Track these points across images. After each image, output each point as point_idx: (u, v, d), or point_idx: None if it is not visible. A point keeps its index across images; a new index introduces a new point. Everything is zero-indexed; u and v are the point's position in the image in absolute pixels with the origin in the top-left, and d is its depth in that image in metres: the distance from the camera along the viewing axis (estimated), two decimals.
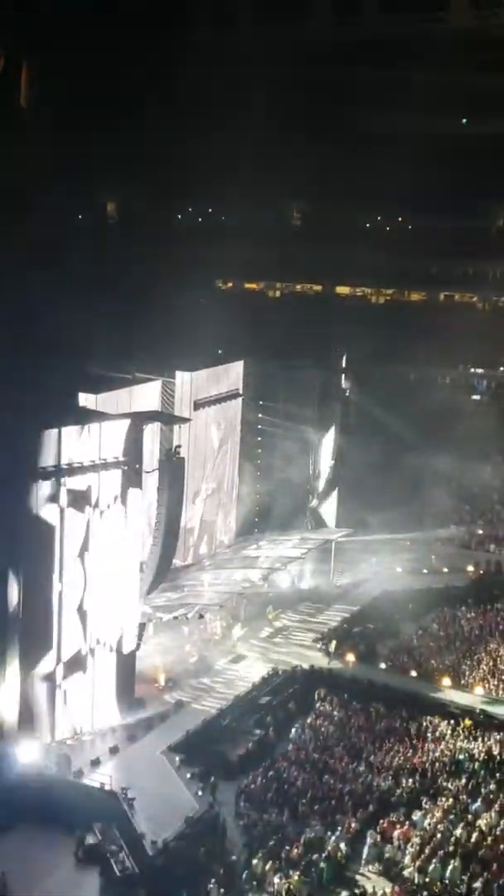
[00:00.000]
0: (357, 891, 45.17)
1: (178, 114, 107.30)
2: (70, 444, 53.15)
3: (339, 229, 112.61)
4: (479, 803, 51.21)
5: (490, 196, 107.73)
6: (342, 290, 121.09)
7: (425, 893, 44.48)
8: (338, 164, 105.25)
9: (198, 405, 72.80)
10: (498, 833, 48.69)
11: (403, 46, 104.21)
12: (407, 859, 47.18)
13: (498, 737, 57.07)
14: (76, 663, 55.02)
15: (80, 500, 53.78)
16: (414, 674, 63.76)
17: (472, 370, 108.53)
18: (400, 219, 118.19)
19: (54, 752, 52.97)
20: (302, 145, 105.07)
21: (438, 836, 48.50)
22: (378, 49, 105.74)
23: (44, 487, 52.32)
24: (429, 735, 57.62)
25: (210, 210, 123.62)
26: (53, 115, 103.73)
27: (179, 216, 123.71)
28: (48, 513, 52.78)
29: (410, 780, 53.12)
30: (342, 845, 47.81)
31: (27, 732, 53.30)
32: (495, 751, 55.90)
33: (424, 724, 58.64)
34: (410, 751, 56.05)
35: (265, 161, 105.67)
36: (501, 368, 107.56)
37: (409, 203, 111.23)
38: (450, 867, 46.03)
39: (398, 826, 49.49)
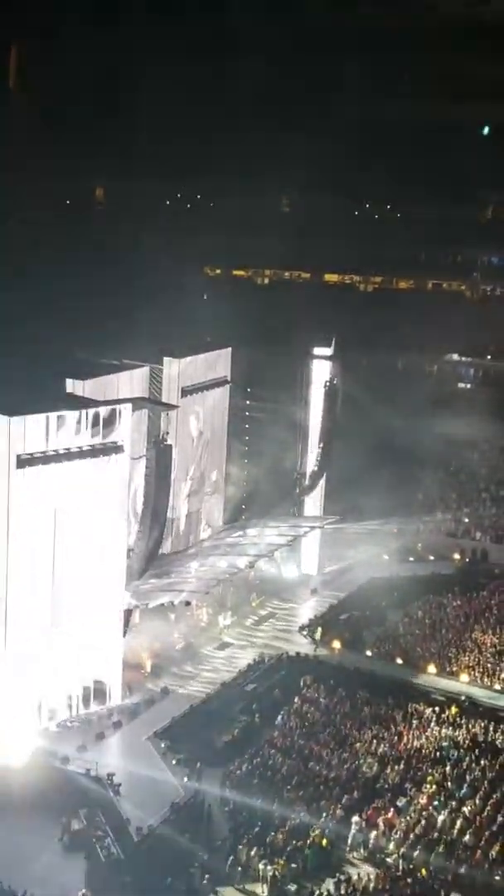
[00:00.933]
0: (342, 877, 45.35)
1: (166, 100, 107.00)
2: (57, 430, 52.99)
3: (328, 216, 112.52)
4: (463, 790, 51.47)
5: (479, 184, 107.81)
6: (330, 277, 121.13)
7: (410, 880, 44.68)
8: (326, 152, 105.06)
9: (185, 392, 72.64)
10: (482, 820, 49.00)
11: (393, 33, 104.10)
12: (391, 846, 47.40)
13: (482, 724, 57.33)
14: (64, 646, 55.05)
15: (66, 485, 53.70)
16: (399, 661, 63.96)
17: (460, 358, 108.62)
18: (388, 206, 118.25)
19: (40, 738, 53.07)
20: (291, 133, 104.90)
21: (423, 822, 48.76)
22: (369, 36, 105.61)
23: (30, 473, 52.22)
24: (414, 722, 57.82)
25: (198, 196, 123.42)
26: (42, 100, 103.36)
27: (167, 202, 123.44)
28: (33, 498, 52.69)
29: (395, 767, 53.33)
30: (327, 832, 48.01)
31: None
32: (480, 738, 56.16)
33: (410, 711, 58.85)
34: (395, 738, 56.24)
35: (254, 148, 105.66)
36: (489, 357, 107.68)
37: (397, 191, 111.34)
38: (434, 854, 46.28)
39: (383, 812, 49.71)
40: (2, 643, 53.04)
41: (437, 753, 54.72)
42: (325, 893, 44.15)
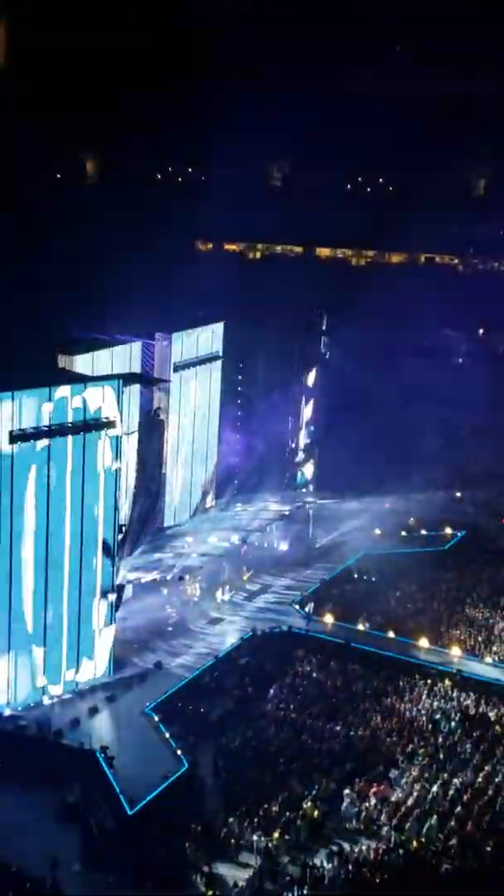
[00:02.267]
0: (334, 848, 45.66)
1: (158, 73, 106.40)
2: (48, 405, 52.93)
3: (320, 190, 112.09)
4: (455, 762, 51.79)
5: (473, 157, 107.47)
6: (323, 251, 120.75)
7: (402, 851, 45.02)
8: (319, 124, 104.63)
9: (177, 367, 72.54)
10: (474, 791, 49.33)
11: (388, 7, 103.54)
12: (384, 818, 47.73)
13: (474, 697, 57.65)
14: (56, 620, 55.19)
15: (58, 460, 53.70)
16: (392, 635, 64.23)
17: (453, 333, 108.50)
18: (381, 179, 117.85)
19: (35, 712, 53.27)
20: (284, 105, 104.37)
21: (415, 794, 49.09)
22: (363, 9, 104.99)
23: (22, 449, 52.20)
24: (406, 695, 58.13)
25: (190, 170, 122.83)
26: (33, 74, 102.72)
27: (159, 175, 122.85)
28: (25, 474, 52.68)
29: (388, 740, 53.63)
30: (319, 804, 48.32)
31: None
32: (471, 710, 56.49)
33: (402, 684, 59.16)
34: (388, 711, 56.53)
35: (246, 120, 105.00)
36: (481, 331, 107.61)
37: (390, 164, 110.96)
38: (426, 825, 46.62)
39: (375, 785, 50.03)
40: None
41: (429, 726, 55.04)
42: (319, 865, 44.46)
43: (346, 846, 45.95)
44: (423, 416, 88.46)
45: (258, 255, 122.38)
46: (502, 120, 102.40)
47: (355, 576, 74.33)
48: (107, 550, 56.65)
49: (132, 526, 59.87)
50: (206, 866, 44.63)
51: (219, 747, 53.09)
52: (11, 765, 50.93)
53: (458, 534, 79.96)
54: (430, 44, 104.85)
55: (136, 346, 69.36)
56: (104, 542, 56.50)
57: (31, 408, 52.34)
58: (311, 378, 78.19)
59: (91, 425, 54.75)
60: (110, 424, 55.44)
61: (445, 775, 50.72)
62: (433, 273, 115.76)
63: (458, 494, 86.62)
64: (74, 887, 43.32)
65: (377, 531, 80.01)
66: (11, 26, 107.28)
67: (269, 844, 45.51)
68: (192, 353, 74.26)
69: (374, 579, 74.24)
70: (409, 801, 48.60)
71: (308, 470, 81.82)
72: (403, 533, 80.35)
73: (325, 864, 44.52)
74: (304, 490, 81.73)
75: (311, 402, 78.57)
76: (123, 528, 59.34)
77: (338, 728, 54.64)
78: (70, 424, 53.85)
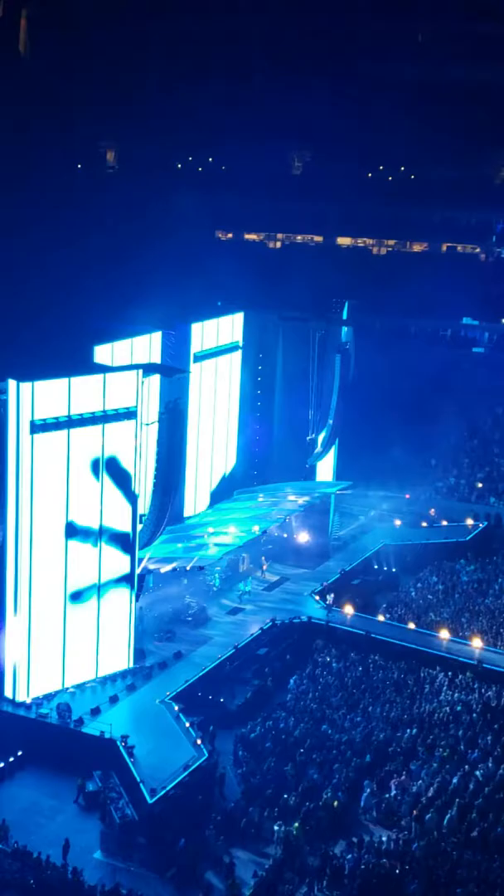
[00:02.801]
0: (354, 839, 45.70)
1: (178, 62, 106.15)
2: (69, 395, 52.95)
3: (341, 178, 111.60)
4: (476, 753, 51.71)
5: (494, 145, 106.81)
6: (343, 240, 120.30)
7: (422, 842, 44.99)
8: (340, 113, 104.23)
9: (197, 357, 72.53)
10: (495, 783, 49.22)
11: None
12: (404, 809, 47.73)
13: (495, 688, 57.49)
14: (77, 612, 55.32)
15: (79, 450, 53.75)
16: (412, 626, 64.13)
17: (474, 322, 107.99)
18: (402, 168, 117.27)
19: (55, 701, 53.48)
20: (304, 93, 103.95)
21: (435, 785, 49.04)
22: None
23: (43, 439, 52.26)
24: (426, 686, 58.04)
25: (210, 159, 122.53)
26: (53, 61, 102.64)
27: (179, 165, 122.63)
28: (46, 464, 52.78)
29: (408, 731, 53.59)
30: (339, 794, 48.36)
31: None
32: (493, 702, 56.33)
33: (422, 675, 59.08)
34: (408, 702, 56.48)
35: (266, 109, 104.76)
36: (503, 321, 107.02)
37: (411, 152, 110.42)
38: (447, 817, 46.58)
39: (396, 776, 50.03)
40: (16, 607, 53.22)
41: (450, 717, 54.94)
42: (338, 855, 44.48)
43: (366, 837, 46.00)
44: (445, 406, 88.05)
45: (278, 244, 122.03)
46: None
47: (375, 566, 74.25)
48: (127, 540, 56.71)
49: (152, 516, 59.83)
50: (225, 855, 44.81)
51: (239, 737, 53.25)
52: (33, 753, 51.29)
53: (480, 524, 79.64)
54: (455, 31, 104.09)
55: (157, 336, 69.38)
56: (124, 532, 56.54)
57: (51, 397, 52.35)
58: (330, 367, 77.94)
59: (111, 415, 54.76)
60: (130, 415, 55.43)
61: (466, 767, 50.65)
62: (455, 262, 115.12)
63: (480, 485, 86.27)
64: (94, 875, 43.58)
65: (397, 521, 79.84)
66: (32, 16, 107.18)
67: (289, 834, 45.60)
68: (213, 343, 74.23)
69: (394, 570, 74.15)
70: (430, 793, 48.57)
71: (328, 459, 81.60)
72: (424, 523, 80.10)
73: (344, 854, 44.54)
74: (324, 480, 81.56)
75: (332, 392, 78.30)
76: (143, 518, 59.36)
77: (358, 719, 54.64)
78: (90, 414, 53.86)
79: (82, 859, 44.18)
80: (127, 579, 57.19)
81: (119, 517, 56.15)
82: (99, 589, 55.92)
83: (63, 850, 44.47)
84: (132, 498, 56.53)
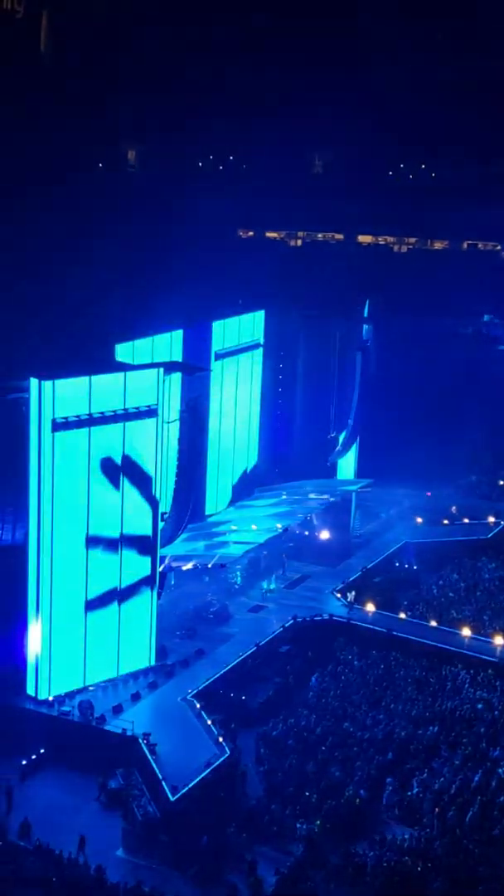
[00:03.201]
0: (376, 837, 45.65)
1: (198, 61, 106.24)
2: (91, 393, 53.08)
3: (362, 177, 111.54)
4: (498, 751, 51.55)
5: None
6: (364, 238, 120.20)
7: (445, 840, 44.89)
8: (360, 111, 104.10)
9: (219, 355, 72.61)
10: None
11: None
12: (426, 806, 47.63)
13: None
14: (99, 609, 55.46)
15: (100, 448, 53.88)
16: (433, 623, 63.97)
17: (494, 319, 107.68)
18: (423, 166, 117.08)
19: (77, 698, 53.65)
20: (325, 92, 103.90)
21: (458, 783, 48.92)
22: None
23: (65, 437, 52.40)
24: (448, 684, 57.90)
25: (231, 158, 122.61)
26: (73, 61, 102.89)
27: (200, 164, 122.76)
28: (68, 461, 52.93)
29: (430, 729, 53.48)
30: (361, 792, 48.31)
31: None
32: None
33: (444, 673, 58.93)
34: (430, 699, 56.36)
35: (288, 108, 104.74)
36: None
37: (432, 150, 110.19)
38: (469, 814, 46.46)
39: (417, 773, 49.94)
40: (38, 605, 53.42)
41: (472, 715, 54.80)
42: (360, 853, 44.44)
43: (388, 834, 45.94)
44: (466, 403, 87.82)
45: (299, 242, 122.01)
46: None
47: (396, 564, 74.11)
48: (148, 539, 56.78)
49: (173, 514, 59.95)
50: (248, 853, 44.82)
51: (261, 735, 53.26)
52: (55, 751, 51.44)
53: (501, 522, 79.38)
54: (475, 29, 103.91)
55: (178, 335, 69.47)
56: (145, 534, 56.60)
57: (73, 396, 52.48)
58: (352, 365, 77.91)
59: (132, 413, 54.85)
60: (151, 412, 55.52)
61: (488, 764, 50.50)
62: (476, 259, 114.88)
63: (502, 482, 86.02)
64: (117, 873, 43.67)
65: (418, 519, 79.68)
66: (54, 14, 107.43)
67: (312, 832, 45.59)
68: (234, 342, 74.29)
69: (415, 567, 73.98)
70: (452, 790, 48.45)
71: (349, 457, 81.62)
72: (445, 521, 79.92)
73: (366, 851, 44.50)
74: (345, 478, 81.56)
75: (353, 390, 78.28)
76: (165, 516, 59.48)
77: (380, 716, 54.57)
78: (111, 412, 53.97)
79: (104, 857, 44.26)
80: (148, 577, 57.26)
81: (140, 515, 56.21)
82: (120, 585, 56.01)
83: (79, 845, 44.63)
84: (153, 496, 56.60)
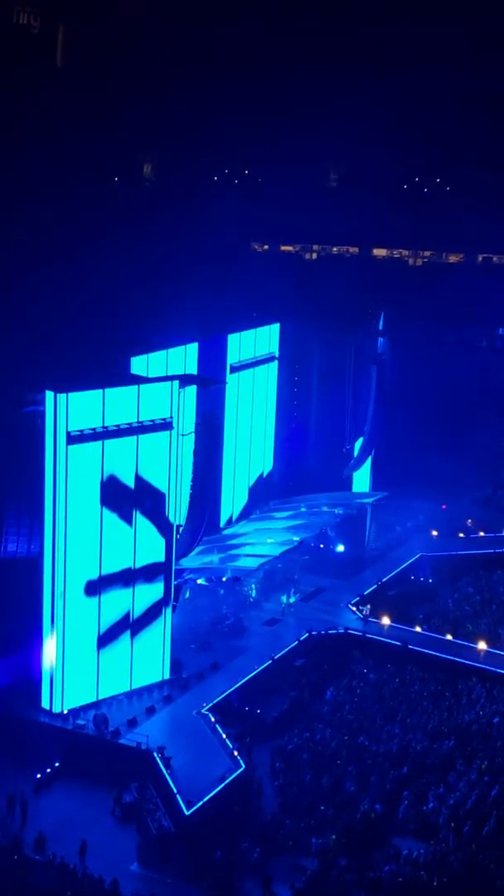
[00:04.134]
0: (392, 851, 45.42)
1: (213, 75, 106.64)
2: (106, 406, 53.15)
3: (377, 190, 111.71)
4: None
5: None
6: (379, 252, 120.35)
7: (460, 855, 44.65)
8: (375, 126, 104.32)
9: (234, 368, 72.65)
10: None
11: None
12: (442, 821, 47.38)
13: None
14: (114, 621, 55.43)
15: (116, 461, 53.92)
16: (449, 637, 63.74)
17: None
18: (438, 179, 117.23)
19: (92, 712, 53.60)
20: (339, 106, 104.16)
21: (473, 797, 48.66)
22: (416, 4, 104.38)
23: (81, 450, 52.46)
24: (464, 698, 57.66)
25: (246, 171, 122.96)
26: (89, 75, 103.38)
27: (215, 177, 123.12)
28: (84, 474, 52.99)
29: (446, 743, 53.25)
30: (377, 806, 48.09)
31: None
32: None
33: (460, 687, 58.69)
34: (446, 713, 56.14)
35: (303, 122, 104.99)
36: None
37: (447, 163, 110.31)
38: (485, 829, 46.21)
39: (433, 788, 49.69)
40: (53, 619, 53.43)
41: (489, 729, 54.54)
42: (376, 867, 44.21)
43: (404, 848, 45.71)
44: (481, 416, 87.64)
45: (314, 255, 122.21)
46: None
47: (412, 577, 73.88)
48: (167, 548, 56.76)
49: (188, 527, 59.93)
50: (262, 867, 44.63)
51: (275, 748, 53.10)
52: (70, 764, 51.39)
53: None
54: (488, 41, 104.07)
55: (193, 347, 69.53)
56: (161, 542, 56.61)
57: (87, 409, 52.58)
58: (367, 378, 77.83)
59: (147, 426, 54.91)
60: (167, 425, 55.57)
61: None
62: (491, 272, 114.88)
63: None
64: (131, 887, 43.55)
65: (434, 532, 79.48)
66: (69, 30, 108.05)
67: (327, 846, 45.39)
68: (249, 354, 74.35)
69: (430, 581, 73.74)
70: (468, 805, 48.20)
71: (364, 470, 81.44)
72: (461, 534, 79.69)
73: (381, 866, 44.26)
74: (360, 491, 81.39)
75: (368, 403, 78.18)
76: (180, 529, 59.44)
77: (395, 730, 54.36)
78: (126, 425, 54.04)
79: (119, 871, 44.18)
80: (164, 590, 57.22)
81: (154, 531, 56.18)
82: (134, 598, 55.99)
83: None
84: (166, 511, 56.59)
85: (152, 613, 56.90)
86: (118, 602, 55.42)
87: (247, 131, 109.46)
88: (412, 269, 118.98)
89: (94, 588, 54.37)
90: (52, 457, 52.06)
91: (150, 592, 56.68)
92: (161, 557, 56.77)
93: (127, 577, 55.52)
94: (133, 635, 56.29)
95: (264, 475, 78.33)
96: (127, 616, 55.89)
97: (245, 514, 76.16)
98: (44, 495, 52.55)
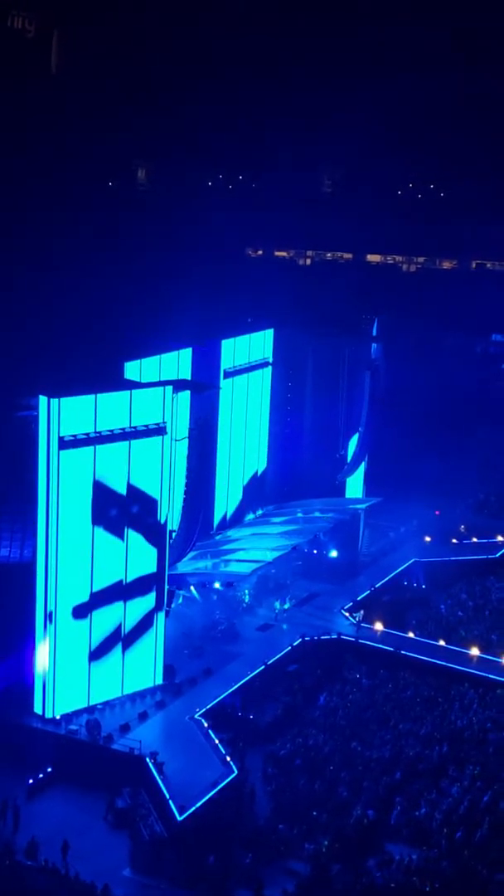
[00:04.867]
0: (384, 857, 45.42)
1: (208, 80, 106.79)
2: (99, 411, 53.15)
3: (371, 196, 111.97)
4: None
5: None
6: (373, 257, 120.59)
7: (452, 861, 44.66)
8: (369, 132, 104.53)
9: (228, 373, 72.71)
10: None
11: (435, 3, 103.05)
12: (434, 826, 47.39)
13: None
14: (106, 628, 55.40)
15: (109, 466, 53.90)
16: (442, 643, 63.78)
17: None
18: (432, 186, 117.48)
19: (85, 717, 53.54)
20: (333, 111, 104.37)
21: (466, 803, 48.69)
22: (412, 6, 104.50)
23: (74, 455, 52.44)
24: (457, 703, 57.70)
25: (241, 177, 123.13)
26: (85, 81, 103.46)
27: (210, 183, 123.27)
28: (77, 479, 52.97)
29: (438, 749, 53.27)
30: (369, 812, 48.10)
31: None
32: None
33: (452, 692, 58.73)
34: (438, 719, 56.17)
35: (296, 129, 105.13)
36: None
37: (441, 169, 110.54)
38: (478, 835, 46.23)
39: (426, 793, 49.70)
40: (46, 624, 53.37)
41: (481, 735, 54.57)
42: (368, 873, 44.21)
43: (397, 854, 45.72)
44: (474, 423, 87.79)
45: (308, 261, 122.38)
46: None
47: (405, 583, 73.93)
48: (159, 555, 56.76)
49: (182, 532, 59.96)
50: (255, 873, 44.61)
51: (268, 754, 53.10)
52: (62, 769, 51.32)
53: None
54: (481, 51, 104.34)
55: (187, 353, 69.58)
56: (155, 547, 56.60)
57: (80, 414, 52.57)
58: (361, 384, 77.92)
59: (141, 431, 54.92)
60: (160, 430, 55.58)
61: (497, 784, 50.25)
62: (484, 278, 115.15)
63: None
64: (124, 892, 43.50)
65: (427, 538, 79.54)
66: (64, 35, 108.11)
67: (319, 852, 45.38)
68: (243, 360, 74.42)
69: (423, 587, 73.78)
70: (461, 810, 48.22)
71: (358, 475, 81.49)
72: (454, 540, 79.74)
73: (374, 871, 44.27)
74: (353, 496, 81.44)
75: (362, 408, 78.26)
76: (173, 534, 59.45)
77: (388, 736, 54.38)
78: (120, 430, 54.04)
79: (112, 876, 44.11)
80: (158, 595, 57.20)
81: (148, 532, 56.19)
82: (127, 604, 55.97)
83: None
84: (162, 513, 56.60)
85: (145, 620, 56.85)
86: (112, 607, 55.35)
87: (241, 137, 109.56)
88: (406, 275, 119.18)
89: (87, 592, 54.30)
90: (46, 462, 52.03)
91: (144, 599, 56.62)
92: (153, 563, 56.73)
93: (119, 584, 55.46)
94: (126, 642, 56.23)
95: (258, 480, 78.30)
96: (120, 623, 55.81)
97: (240, 513, 76.07)
98: (37, 500, 52.51)
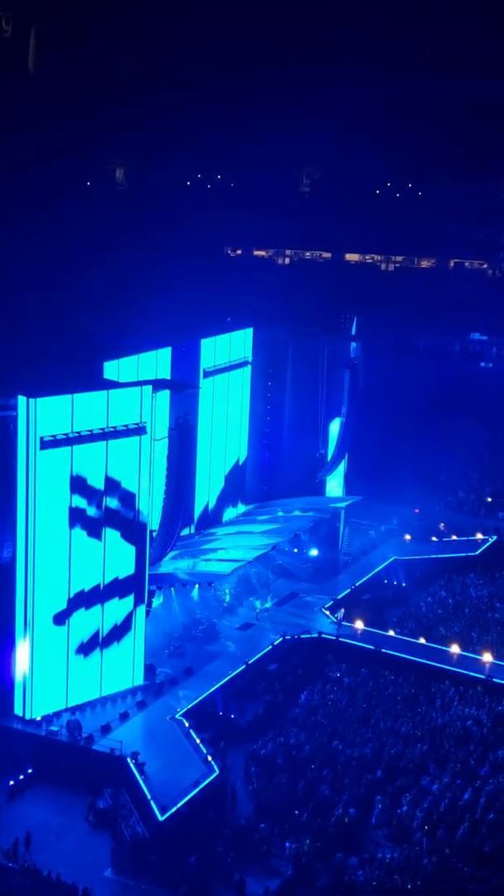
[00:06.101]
0: (366, 855, 45.50)
1: (186, 79, 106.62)
2: (79, 411, 53.04)
3: (349, 195, 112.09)
4: (487, 769, 51.51)
5: (501, 161, 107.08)
6: (352, 257, 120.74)
7: (434, 858, 44.78)
8: (348, 131, 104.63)
9: (207, 373, 72.65)
10: None
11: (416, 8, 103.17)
12: (416, 824, 47.51)
13: None
14: (86, 628, 55.29)
15: (89, 466, 53.80)
16: (422, 640, 63.95)
17: (482, 337, 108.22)
18: (410, 184, 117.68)
19: (65, 718, 53.41)
20: (312, 111, 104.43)
21: (447, 801, 48.83)
22: (391, 10, 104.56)
23: (53, 455, 52.30)
24: (437, 701, 57.86)
25: (219, 176, 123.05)
26: (62, 79, 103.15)
27: (188, 182, 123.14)
28: (56, 479, 52.84)
29: (419, 746, 53.41)
30: (350, 810, 48.17)
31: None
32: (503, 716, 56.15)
33: (433, 690, 58.88)
34: (419, 717, 56.30)
35: (274, 127, 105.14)
36: None
37: (419, 168, 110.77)
38: (458, 832, 46.37)
39: (406, 792, 49.82)
40: (25, 624, 53.22)
41: (461, 732, 54.74)
42: (350, 871, 44.27)
43: (377, 852, 45.79)
44: (454, 421, 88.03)
45: (287, 260, 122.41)
46: None
47: (385, 581, 74.08)
48: (138, 556, 56.70)
49: (162, 532, 59.86)
50: (236, 872, 44.62)
51: (249, 753, 53.11)
52: (43, 771, 51.20)
53: (489, 538, 79.50)
54: (462, 49, 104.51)
55: (166, 352, 69.48)
56: (134, 547, 56.54)
57: (58, 414, 52.42)
58: (340, 382, 77.98)
59: (121, 431, 54.82)
60: (140, 430, 55.50)
61: (478, 782, 50.44)
62: (463, 277, 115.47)
63: (489, 499, 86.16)
64: (105, 893, 43.42)
65: (407, 536, 79.71)
66: (42, 33, 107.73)
67: (300, 851, 45.42)
68: (223, 359, 74.38)
69: (404, 585, 73.95)
70: (441, 808, 48.36)
71: (338, 474, 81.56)
72: (434, 538, 79.96)
73: (355, 870, 44.34)
74: (333, 495, 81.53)
75: (341, 407, 78.31)
76: (153, 534, 59.37)
77: (368, 734, 54.47)
78: (100, 430, 53.93)
79: (93, 877, 44.05)
80: (137, 596, 57.13)
81: (128, 532, 56.13)
82: (108, 603, 55.88)
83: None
84: (142, 513, 56.53)
85: (125, 620, 56.77)
86: (92, 608, 55.25)
87: (219, 136, 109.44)
88: (384, 273, 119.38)
89: (67, 593, 54.18)
90: (25, 462, 51.87)
91: (124, 599, 56.54)
92: (132, 563, 56.65)
93: (99, 583, 55.36)
94: (107, 642, 56.14)
95: (238, 479, 78.26)
96: (100, 623, 55.72)
97: (221, 503, 75.97)
98: (16, 501, 52.34)
